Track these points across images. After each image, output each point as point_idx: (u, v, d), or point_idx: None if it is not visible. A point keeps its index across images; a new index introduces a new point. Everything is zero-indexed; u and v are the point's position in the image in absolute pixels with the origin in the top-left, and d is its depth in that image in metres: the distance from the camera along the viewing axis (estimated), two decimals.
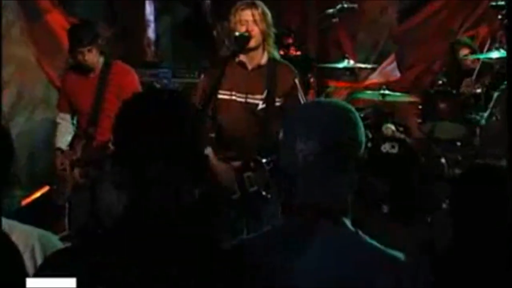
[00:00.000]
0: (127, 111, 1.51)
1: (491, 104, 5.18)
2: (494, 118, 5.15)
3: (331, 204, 1.60)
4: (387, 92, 5.54)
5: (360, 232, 1.60)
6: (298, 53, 6.33)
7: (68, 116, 4.61)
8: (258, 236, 1.72)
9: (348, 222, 1.61)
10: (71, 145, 4.53)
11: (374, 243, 1.59)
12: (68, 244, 1.74)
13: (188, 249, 1.46)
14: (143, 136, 1.46)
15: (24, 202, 5.50)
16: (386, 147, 5.19)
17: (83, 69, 4.42)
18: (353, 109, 1.66)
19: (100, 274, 1.41)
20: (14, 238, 1.67)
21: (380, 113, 5.68)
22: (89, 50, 4.32)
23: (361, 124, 1.64)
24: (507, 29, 4.25)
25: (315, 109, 1.67)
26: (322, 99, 2.74)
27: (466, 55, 5.71)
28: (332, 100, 1.90)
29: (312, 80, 6.27)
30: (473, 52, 5.75)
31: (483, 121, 5.20)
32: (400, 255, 1.57)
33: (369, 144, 4.96)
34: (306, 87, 5.72)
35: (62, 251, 1.56)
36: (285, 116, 3.61)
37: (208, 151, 3.64)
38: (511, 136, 1.96)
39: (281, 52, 5.55)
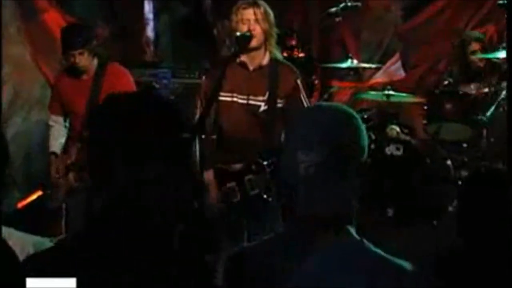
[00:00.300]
0: (103, 111, 1.52)
1: (500, 97, 5.17)
2: (501, 109, 5.15)
3: (335, 212, 1.60)
4: (391, 92, 5.53)
5: (365, 241, 1.59)
6: (302, 54, 6.32)
7: (60, 119, 4.61)
8: (259, 244, 1.72)
9: (352, 230, 1.60)
10: (65, 148, 4.53)
11: (379, 251, 1.58)
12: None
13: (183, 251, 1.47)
14: (120, 136, 1.47)
15: (20, 204, 5.50)
16: (390, 149, 5.18)
17: (76, 72, 4.42)
18: (354, 113, 1.66)
19: (82, 273, 1.42)
20: (10, 244, 1.68)
21: (385, 114, 5.66)
22: (80, 53, 4.31)
23: (363, 128, 1.64)
24: (507, 29, 4.25)
25: (316, 118, 1.66)
26: (323, 103, 2.73)
27: (475, 51, 5.67)
28: (333, 105, 1.90)
29: (316, 82, 6.27)
30: (483, 47, 5.72)
31: (490, 112, 5.18)
32: (406, 264, 1.57)
33: (373, 146, 4.94)
34: (310, 89, 5.72)
35: (45, 252, 1.57)
36: (287, 118, 3.62)
37: (210, 175, 3.66)
38: (511, 136, 1.96)
39: (285, 54, 5.56)
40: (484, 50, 5.69)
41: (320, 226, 1.58)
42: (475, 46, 5.71)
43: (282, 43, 4.25)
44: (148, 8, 6.92)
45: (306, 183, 1.59)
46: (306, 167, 1.58)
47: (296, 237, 1.60)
